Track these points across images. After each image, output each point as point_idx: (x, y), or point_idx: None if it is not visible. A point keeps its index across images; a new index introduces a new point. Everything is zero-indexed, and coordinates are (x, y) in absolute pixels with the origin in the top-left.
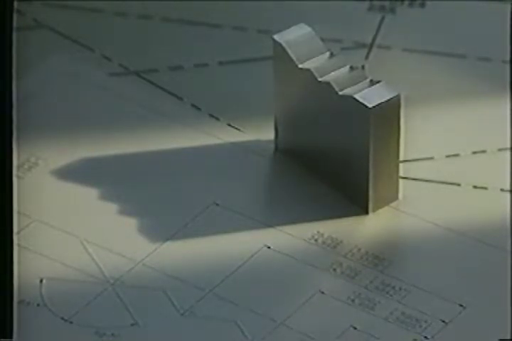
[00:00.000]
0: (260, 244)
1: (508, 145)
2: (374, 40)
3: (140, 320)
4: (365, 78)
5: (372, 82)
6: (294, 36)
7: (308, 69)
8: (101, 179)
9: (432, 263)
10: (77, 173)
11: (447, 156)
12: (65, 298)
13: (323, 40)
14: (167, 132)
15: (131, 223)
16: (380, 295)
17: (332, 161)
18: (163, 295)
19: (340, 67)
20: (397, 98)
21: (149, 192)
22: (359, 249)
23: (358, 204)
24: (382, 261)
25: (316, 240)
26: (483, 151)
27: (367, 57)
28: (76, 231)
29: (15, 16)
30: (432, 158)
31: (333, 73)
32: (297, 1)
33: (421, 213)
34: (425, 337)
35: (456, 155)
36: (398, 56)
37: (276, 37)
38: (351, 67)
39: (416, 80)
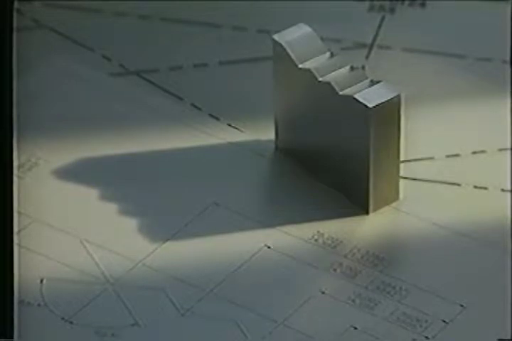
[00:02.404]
0: (260, 244)
1: (508, 146)
2: (374, 40)
3: (140, 320)
4: (365, 78)
5: (373, 82)
6: (294, 36)
7: (308, 69)
8: (101, 179)
9: (432, 263)
10: (77, 173)
11: (447, 156)
12: (65, 298)
13: (323, 40)
14: (167, 132)
15: (131, 223)
16: (380, 295)
17: (332, 161)
18: (163, 295)
19: (340, 67)
20: (397, 98)
21: (149, 192)
22: (359, 249)
23: (358, 204)
24: (382, 261)
25: (316, 240)
26: (483, 151)
27: (367, 57)
28: (76, 231)
29: (15, 16)
30: (432, 158)
31: (333, 73)
32: (297, 0)
33: (421, 213)
34: (425, 337)
35: (456, 155)
36: (398, 56)
37: (276, 37)
38: (351, 67)
39: (416, 80)
